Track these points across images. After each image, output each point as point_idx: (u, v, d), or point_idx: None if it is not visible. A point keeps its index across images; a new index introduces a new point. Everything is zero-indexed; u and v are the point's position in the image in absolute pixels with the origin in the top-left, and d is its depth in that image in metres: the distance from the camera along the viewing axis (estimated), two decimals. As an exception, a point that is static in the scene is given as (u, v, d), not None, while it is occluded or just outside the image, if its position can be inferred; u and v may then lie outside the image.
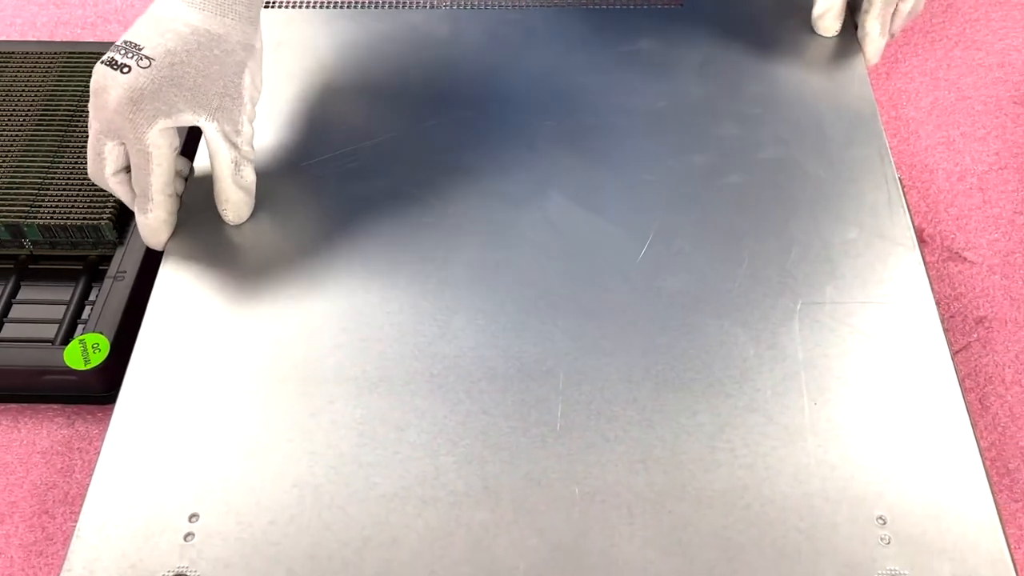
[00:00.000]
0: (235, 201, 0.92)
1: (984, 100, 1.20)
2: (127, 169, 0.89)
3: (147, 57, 0.84)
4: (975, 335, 0.98)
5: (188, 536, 0.72)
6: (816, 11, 1.08)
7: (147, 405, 0.80)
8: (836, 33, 1.08)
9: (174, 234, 0.92)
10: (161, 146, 0.86)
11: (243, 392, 0.81)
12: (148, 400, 0.80)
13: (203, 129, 0.88)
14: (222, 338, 0.84)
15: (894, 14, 1.06)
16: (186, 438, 0.78)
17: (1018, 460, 0.90)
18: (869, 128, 0.99)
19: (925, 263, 0.88)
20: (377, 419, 0.78)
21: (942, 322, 0.84)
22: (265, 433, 0.78)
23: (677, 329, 0.83)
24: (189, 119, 0.86)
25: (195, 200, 0.94)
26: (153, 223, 0.90)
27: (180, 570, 0.70)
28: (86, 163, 0.87)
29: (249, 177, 0.92)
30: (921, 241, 0.94)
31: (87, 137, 0.85)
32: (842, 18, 1.07)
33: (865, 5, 1.05)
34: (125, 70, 0.84)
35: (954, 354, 0.88)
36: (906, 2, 1.05)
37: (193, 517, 0.73)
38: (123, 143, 0.86)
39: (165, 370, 0.82)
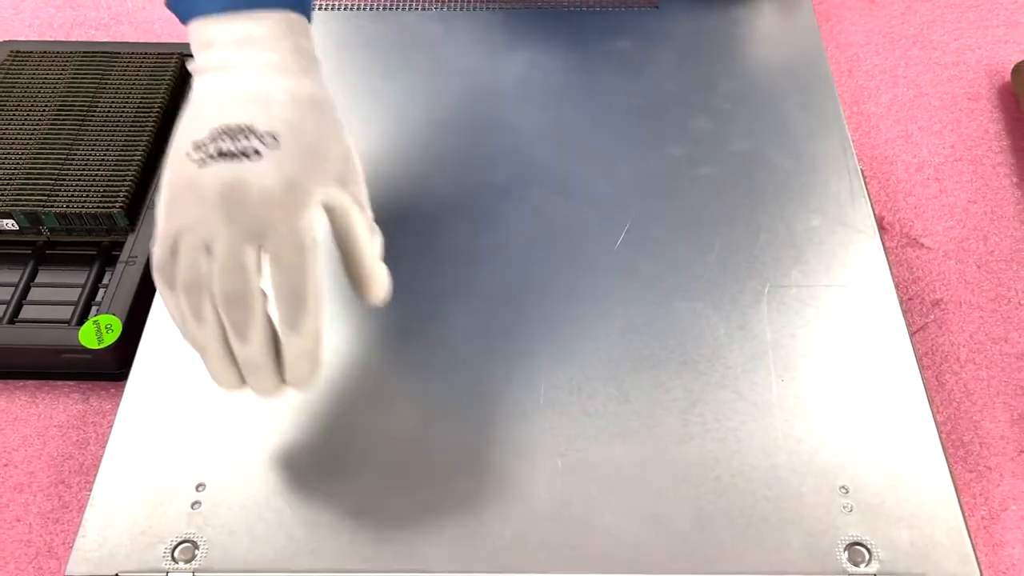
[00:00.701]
0: (379, 277, 0.73)
1: (940, 96, 1.20)
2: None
3: (268, 134, 0.66)
4: (932, 316, 0.98)
5: (195, 504, 0.72)
6: None
7: (157, 383, 0.80)
8: None
9: None
10: (315, 234, 0.66)
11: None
12: (158, 378, 0.80)
13: (334, 201, 0.69)
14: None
15: None
16: (193, 413, 0.78)
17: (971, 433, 0.90)
18: (833, 122, 0.99)
19: (885, 249, 0.88)
20: (370, 395, 0.78)
21: (900, 304, 0.84)
22: (266, 408, 0.77)
23: (653, 311, 0.83)
24: (330, 193, 0.68)
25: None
26: (310, 341, 0.67)
27: (187, 536, 0.70)
28: (100, 155, 0.83)
29: (381, 246, 0.73)
30: (881, 228, 0.94)
31: (101, 131, 0.81)
32: None
33: None
34: (253, 155, 0.65)
35: (912, 334, 0.88)
36: None
37: (200, 487, 0.73)
38: (264, 245, 0.65)
39: (174, 350, 0.82)
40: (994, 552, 0.83)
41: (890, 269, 0.87)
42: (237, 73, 0.69)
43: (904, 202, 1.09)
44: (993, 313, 0.99)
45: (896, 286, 0.86)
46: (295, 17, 0.74)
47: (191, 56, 0.72)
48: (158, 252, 0.65)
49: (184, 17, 0.73)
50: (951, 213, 1.08)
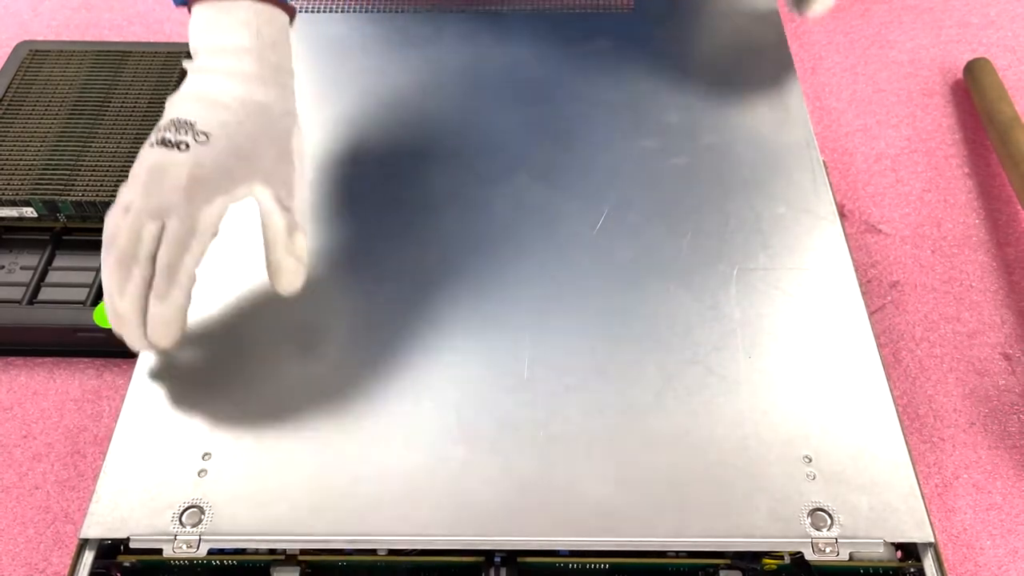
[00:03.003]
0: (288, 270, 0.78)
1: (897, 92, 1.21)
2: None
3: (203, 132, 0.74)
4: (889, 298, 0.99)
5: (202, 472, 0.72)
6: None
7: (165, 359, 0.80)
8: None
9: None
10: (210, 225, 0.73)
11: (249, 346, 0.81)
12: (166, 355, 0.80)
13: (257, 197, 0.76)
14: (229, 300, 0.84)
15: None
16: (199, 387, 0.78)
17: (926, 406, 0.91)
18: (796, 117, 0.99)
19: (845, 234, 0.88)
20: (367, 370, 0.78)
21: (860, 286, 0.84)
22: (268, 382, 0.78)
23: (629, 292, 0.83)
24: (244, 191, 0.75)
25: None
26: (171, 312, 0.73)
27: (194, 502, 0.70)
28: (112, 148, 0.85)
29: (301, 244, 0.78)
30: (842, 215, 0.94)
31: (114, 125, 0.83)
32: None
33: None
34: (183, 147, 0.73)
35: (871, 314, 0.87)
36: None
37: (206, 456, 0.73)
38: (164, 222, 0.72)
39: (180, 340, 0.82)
40: (947, 518, 0.84)
41: (850, 253, 0.87)
42: (207, 77, 0.78)
43: (863, 191, 1.09)
44: (946, 295, 1.00)
45: (856, 269, 0.86)
46: (277, 17, 0.81)
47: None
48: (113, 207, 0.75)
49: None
50: (907, 201, 1.08)
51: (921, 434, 0.89)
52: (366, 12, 1.14)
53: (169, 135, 0.74)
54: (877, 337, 0.81)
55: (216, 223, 0.74)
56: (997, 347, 0.95)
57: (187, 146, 0.73)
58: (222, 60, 0.79)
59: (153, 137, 0.75)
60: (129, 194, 0.73)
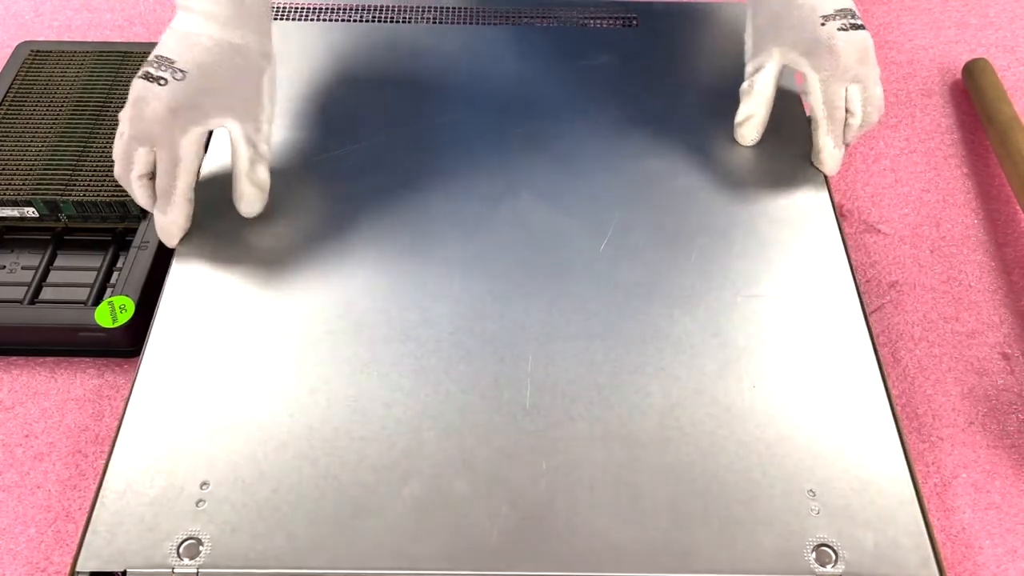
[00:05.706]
0: (248, 196, 0.88)
1: (896, 92, 1.20)
2: (151, 175, 0.85)
3: (180, 70, 0.82)
4: (888, 297, 0.98)
5: (200, 503, 0.70)
6: (738, 118, 0.96)
7: (161, 386, 0.78)
8: (754, 142, 0.97)
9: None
10: (191, 152, 0.83)
11: (248, 371, 0.78)
12: (162, 381, 0.78)
13: (228, 130, 0.86)
14: (229, 327, 0.82)
15: (846, 127, 0.93)
16: (197, 415, 0.76)
17: (925, 406, 0.89)
18: (799, 126, 0.98)
19: (843, 234, 0.88)
20: (367, 397, 0.76)
21: (858, 286, 0.84)
22: (268, 409, 0.76)
23: (632, 318, 0.81)
24: (216, 123, 0.84)
25: (209, 189, 0.92)
26: (170, 224, 0.86)
27: (192, 533, 0.68)
28: (115, 148, 0.84)
29: (263, 175, 0.88)
30: (840, 215, 0.93)
31: (116, 127, 0.83)
32: (763, 128, 0.96)
33: (813, 122, 0.94)
34: (162, 82, 0.82)
35: (869, 314, 0.86)
36: (855, 116, 0.92)
37: (204, 485, 0.71)
38: (154, 149, 0.83)
39: (179, 356, 0.80)
40: (946, 517, 0.82)
41: (848, 256, 0.87)
42: (189, 17, 0.85)
43: (862, 191, 1.08)
44: (945, 294, 0.98)
45: (855, 269, 0.86)
46: None
47: None
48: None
49: None
50: (906, 201, 1.07)
51: (920, 433, 0.87)
52: (367, 22, 1.12)
53: (151, 70, 0.82)
54: (876, 337, 0.81)
55: (195, 150, 0.84)
56: (996, 347, 0.94)
57: (165, 82, 0.82)
58: (203, 2, 0.85)
59: (141, 70, 0.83)
60: (122, 123, 0.83)
